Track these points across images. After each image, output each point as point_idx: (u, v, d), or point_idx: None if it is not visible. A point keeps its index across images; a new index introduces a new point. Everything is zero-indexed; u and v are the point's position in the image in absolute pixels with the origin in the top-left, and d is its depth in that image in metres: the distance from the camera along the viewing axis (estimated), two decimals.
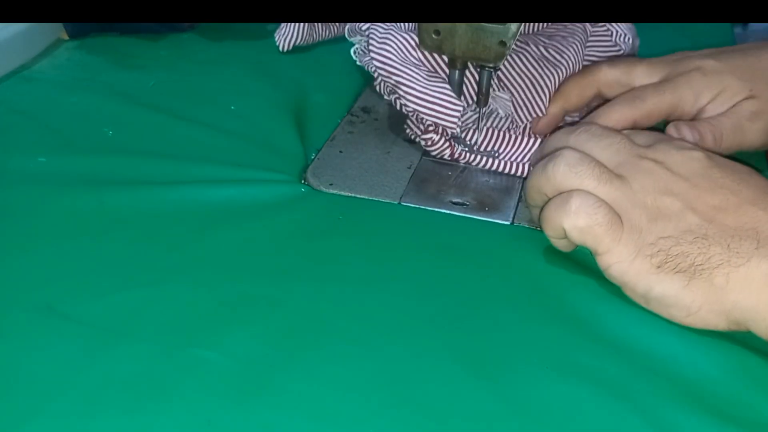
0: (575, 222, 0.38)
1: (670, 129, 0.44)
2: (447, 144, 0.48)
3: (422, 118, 0.47)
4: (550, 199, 0.40)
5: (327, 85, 0.55)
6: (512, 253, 0.42)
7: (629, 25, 0.54)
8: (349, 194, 0.46)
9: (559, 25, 0.53)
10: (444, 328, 0.37)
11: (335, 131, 0.52)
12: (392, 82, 0.47)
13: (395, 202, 0.46)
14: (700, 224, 0.37)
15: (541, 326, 0.37)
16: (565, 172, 0.39)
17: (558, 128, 0.49)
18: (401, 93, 0.47)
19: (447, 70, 0.48)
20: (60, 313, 0.36)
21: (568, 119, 0.51)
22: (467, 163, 0.49)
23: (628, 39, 0.53)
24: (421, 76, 0.46)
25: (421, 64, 0.47)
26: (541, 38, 0.51)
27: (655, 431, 0.32)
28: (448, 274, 0.40)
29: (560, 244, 0.41)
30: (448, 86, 0.46)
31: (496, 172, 0.48)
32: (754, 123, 0.44)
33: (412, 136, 0.50)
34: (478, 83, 0.46)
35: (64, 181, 0.46)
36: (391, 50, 0.47)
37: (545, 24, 0.53)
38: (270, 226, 0.43)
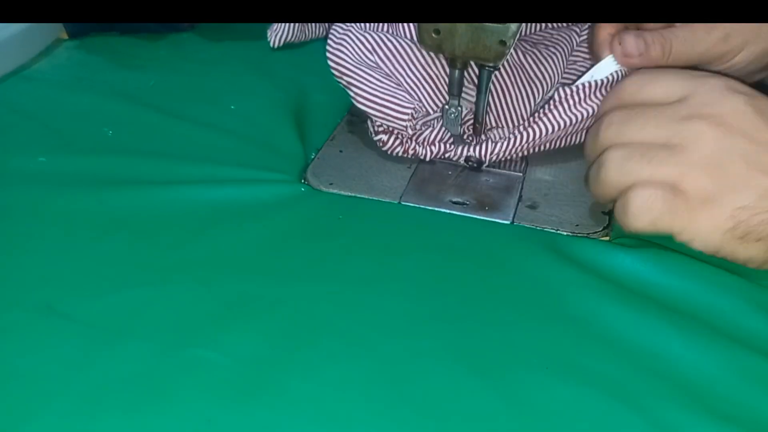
0: (640, 223, 0.37)
1: (614, 40, 0.43)
2: (398, 142, 0.49)
3: (374, 120, 0.48)
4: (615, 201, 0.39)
5: (327, 85, 0.55)
6: (512, 253, 0.42)
7: None
8: (349, 194, 0.46)
9: (546, 33, 0.53)
10: (444, 328, 0.37)
11: (335, 131, 0.52)
12: (343, 83, 0.48)
13: (395, 202, 0.46)
14: None
15: (541, 326, 0.37)
16: (615, 175, 0.38)
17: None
18: (352, 94, 0.48)
19: (410, 70, 0.48)
20: (60, 313, 0.36)
21: None
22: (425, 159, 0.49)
23: None
24: (373, 77, 0.47)
25: (376, 66, 0.48)
26: (524, 44, 0.51)
27: (655, 431, 0.32)
28: (448, 273, 0.40)
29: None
30: (400, 88, 0.47)
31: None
32: (710, 34, 0.42)
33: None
34: (478, 83, 0.46)
35: (64, 181, 0.46)
36: (345, 51, 0.47)
37: (535, 28, 0.53)
38: (270, 226, 0.43)
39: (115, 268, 0.39)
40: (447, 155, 0.49)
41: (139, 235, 0.42)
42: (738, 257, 0.37)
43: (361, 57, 0.48)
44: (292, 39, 0.60)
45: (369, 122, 0.50)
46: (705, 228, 0.37)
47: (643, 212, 0.37)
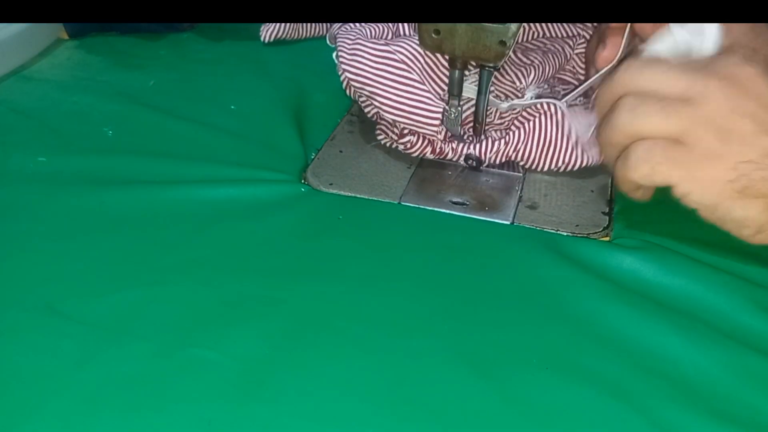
0: (639, 172, 0.37)
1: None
2: (426, 143, 0.48)
3: (397, 123, 0.48)
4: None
5: (327, 85, 0.55)
6: (512, 253, 0.42)
7: None
8: (349, 194, 0.46)
9: (539, 42, 0.53)
10: (444, 328, 0.37)
11: (335, 131, 0.52)
12: (366, 93, 0.47)
13: (395, 202, 0.46)
14: None
15: (541, 326, 0.37)
16: (627, 118, 0.38)
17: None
18: (377, 104, 0.47)
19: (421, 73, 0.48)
20: (60, 313, 0.36)
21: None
22: (452, 159, 0.49)
23: None
24: (396, 84, 0.46)
25: (397, 71, 0.46)
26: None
27: (654, 431, 0.32)
28: (448, 273, 0.40)
29: (639, 195, 0.40)
30: (425, 91, 0.46)
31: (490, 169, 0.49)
32: None
33: (388, 143, 0.50)
34: (479, 83, 0.46)
35: (64, 181, 0.46)
36: (362, 60, 0.47)
37: (529, 37, 0.53)
38: (270, 226, 0.43)
39: (115, 268, 0.39)
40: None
41: (139, 235, 0.42)
42: (734, 216, 0.37)
43: (378, 65, 0.47)
44: (284, 36, 0.60)
45: (383, 129, 0.49)
46: (705, 178, 0.37)
47: (642, 161, 0.37)
